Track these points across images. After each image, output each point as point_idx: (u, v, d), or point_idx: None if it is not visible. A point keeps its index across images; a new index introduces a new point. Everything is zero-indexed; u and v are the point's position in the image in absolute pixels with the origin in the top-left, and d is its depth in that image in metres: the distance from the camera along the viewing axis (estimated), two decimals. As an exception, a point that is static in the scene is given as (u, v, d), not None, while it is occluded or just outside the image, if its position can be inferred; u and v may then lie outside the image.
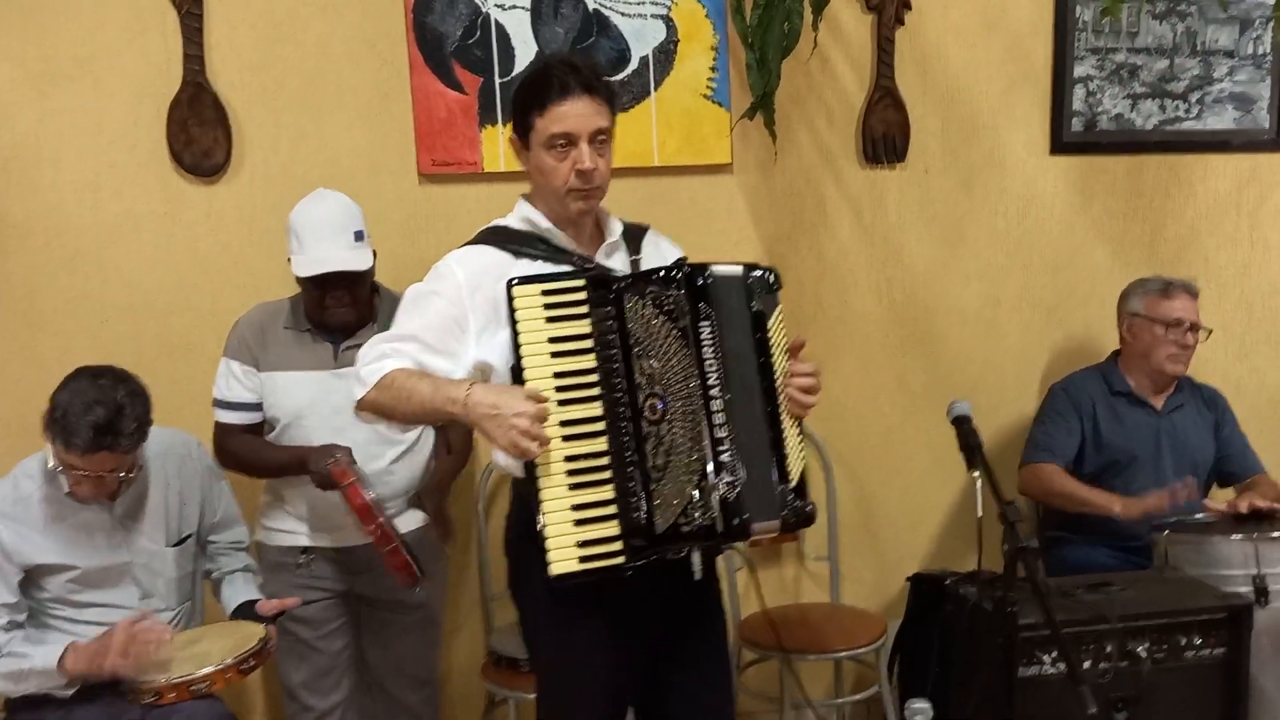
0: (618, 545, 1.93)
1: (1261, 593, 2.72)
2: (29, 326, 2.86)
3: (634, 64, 3.09)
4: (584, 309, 1.96)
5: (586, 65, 2.06)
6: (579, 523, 1.91)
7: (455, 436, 2.66)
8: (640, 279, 1.98)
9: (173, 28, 2.83)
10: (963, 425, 2.38)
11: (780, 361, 2.05)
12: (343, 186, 2.70)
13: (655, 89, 3.11)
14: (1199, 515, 2.98)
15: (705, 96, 3.14)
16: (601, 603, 2.00)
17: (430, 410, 1.96)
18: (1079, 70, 3.38)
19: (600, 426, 1.94)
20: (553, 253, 2.06)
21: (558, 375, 1.93)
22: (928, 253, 3.38)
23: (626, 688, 2.12)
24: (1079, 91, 3.40)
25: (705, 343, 1.93)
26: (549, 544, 1.90)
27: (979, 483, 2.27)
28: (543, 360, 1.93)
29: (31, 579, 2.37)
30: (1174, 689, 2.62)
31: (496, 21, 2.99)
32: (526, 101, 2.04)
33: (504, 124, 2.97)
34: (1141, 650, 2.59)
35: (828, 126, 3.27)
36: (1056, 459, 3.13)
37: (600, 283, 1.98)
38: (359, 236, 2.55)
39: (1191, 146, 3.50)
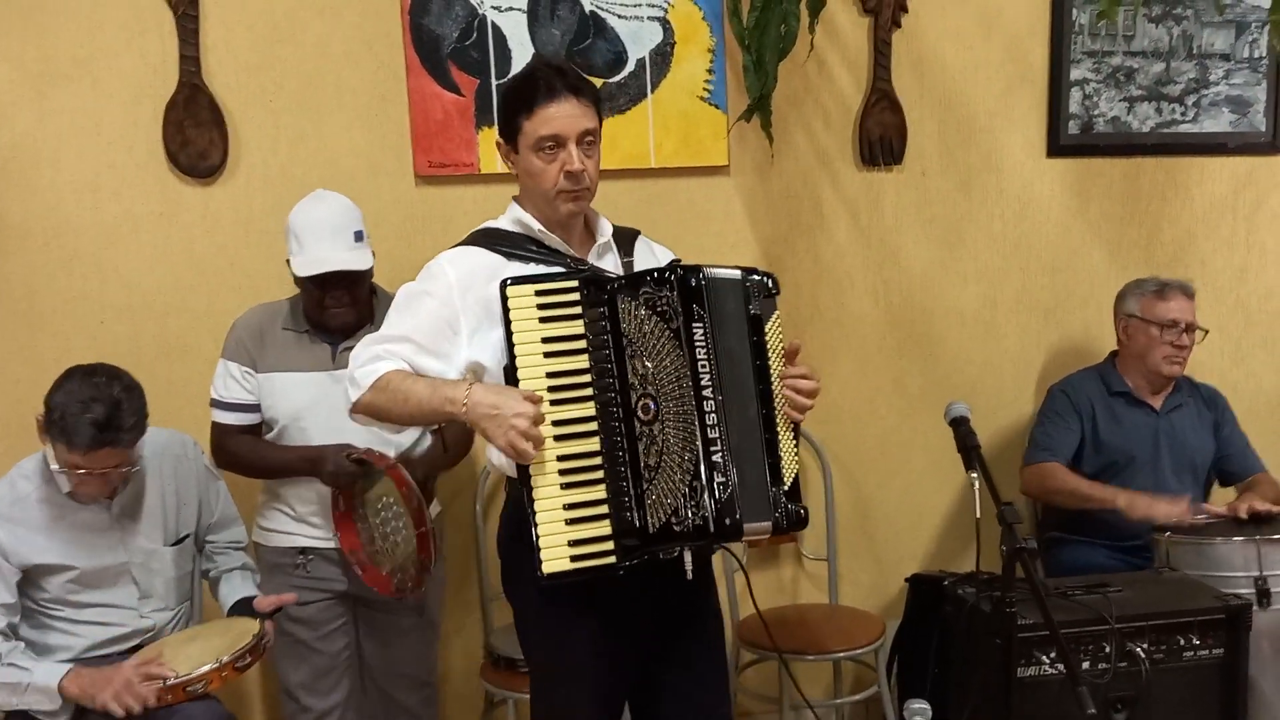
0: (609, 545, 1.93)
1: (1263, 595, 2.71)
2: (28, 327, 2.86)
3: (631, 66, 3.09)
4: (577, 309, 1.96)
5: (571, 69, 2.08)
6: (571, 522, 1.92)
7: (451, 436, 2.66)
8: (634, 280, 1.98)
9: (169, 29, 2.83)
10: (960, 426, 2.38)
11: (777, 365, 2.06)
12: (339, 188, 2.71)
13: (652, 91, 3.11)
14: (1199, 517, 2.98)
15: (702, 98, 3.15)
16: (593, 602, 2.00)
17: (428, 411, 1.97)
18: (1076, 73, 3.39)
19: (593, 426, 1.95)
20: (544, 254, 2.07)
21: (551, 375, 1.94)
22: (925, 255, 3.38)
23: (620, 687, 2.12)
24: (1076, 94, 3.40)
25: (698, 344, 1.94)
26: (541, 543, 1.90)
27: (977, 484, 2.27)
28: (536, 360, 1.94)
29: (30, 579, 2.37)
30: (1172, 690, 2.62)
31: (493, 23, 3.00)
32: (513, 105, 2.05)
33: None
34: (1140, 651, 2.59)
35: (824, 129, 3.28)
36: (1058, 458, 3.14)
37: (594, 283, 1.98)
38: (359, 237, 2.56)
39: (1188, 149, 3.50)
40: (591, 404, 1.95)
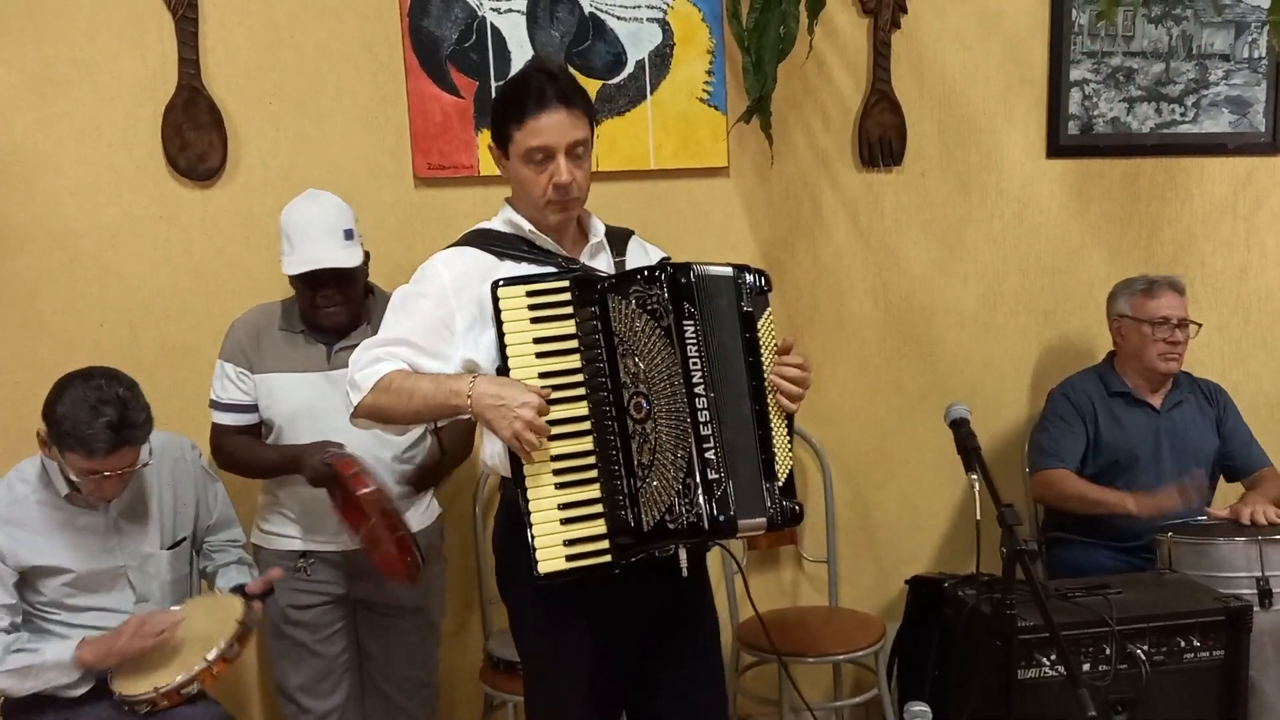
0: (604, 544, 1.94)
1: (1265, 595, 2.71)
2: (28, 330, 2.86)
3: (630, 68, 3.09)
4: (569, 309, 1.97)
5: (564, 74, 2.07)
6: (565, 521, 1.93)
7: (448, 437, 2.66)
8: (624, 279, 1.99)
9: (169, 32, 2.83)
10: (960, 428, 2.38)
11: (769, 362, 2.06)
12: (338, 190, 2.70)
13: (651, 92, 3.11)
14: (1201, 518, 2.98)
15: (701, 100, 3.15)
16: (587, 600, 2.00)
17: (434, 405, 1.97)
18: (1075, 74, 3.39)
19: (586, 426, 1.96)
20: (537, 254, 2.08)
21: (543, 375, 1.94)
22: (924, 256, 3.38)
23: (615, 686, 2.12)
24: (1075, 95, 3.40)
25: (689, 341, 1.94)
26: (536, 543, 1.91)
27: (977, 485, 2.27)
28: (528, 360, 1.94)
29: (27, 582, 2.37)
30: (1173, 691, 2.62)
31: (492, 25, 3.00)
32: (504, 113, 2.05)
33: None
34: (1140, 653, 2.59)
35: (824, 130, 3.28)
36: (1065, 463, 3.13)
37: (584, 283, 1.99)
38: (349, 235, 2.55)
39: (1188, 150, 3.50)
40: (584, 403, 1.96)
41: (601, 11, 3.06)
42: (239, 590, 2.50)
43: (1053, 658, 2.54)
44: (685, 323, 1.94)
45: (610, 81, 3.08)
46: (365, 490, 2.36)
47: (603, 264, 2.14)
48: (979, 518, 2.28)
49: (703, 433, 1.92)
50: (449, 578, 2.96)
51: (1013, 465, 3.40)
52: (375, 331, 2.12)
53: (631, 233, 2.25)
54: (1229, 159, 3.53)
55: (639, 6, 3.08)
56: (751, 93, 2.99)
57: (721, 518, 1.91)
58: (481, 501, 3.05)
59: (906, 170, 3.33)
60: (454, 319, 2.03)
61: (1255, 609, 2.67)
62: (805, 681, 3.36)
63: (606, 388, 1.96)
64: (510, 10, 3.00)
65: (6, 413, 2.83)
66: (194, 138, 2.86)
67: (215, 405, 2.63)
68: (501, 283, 1.95)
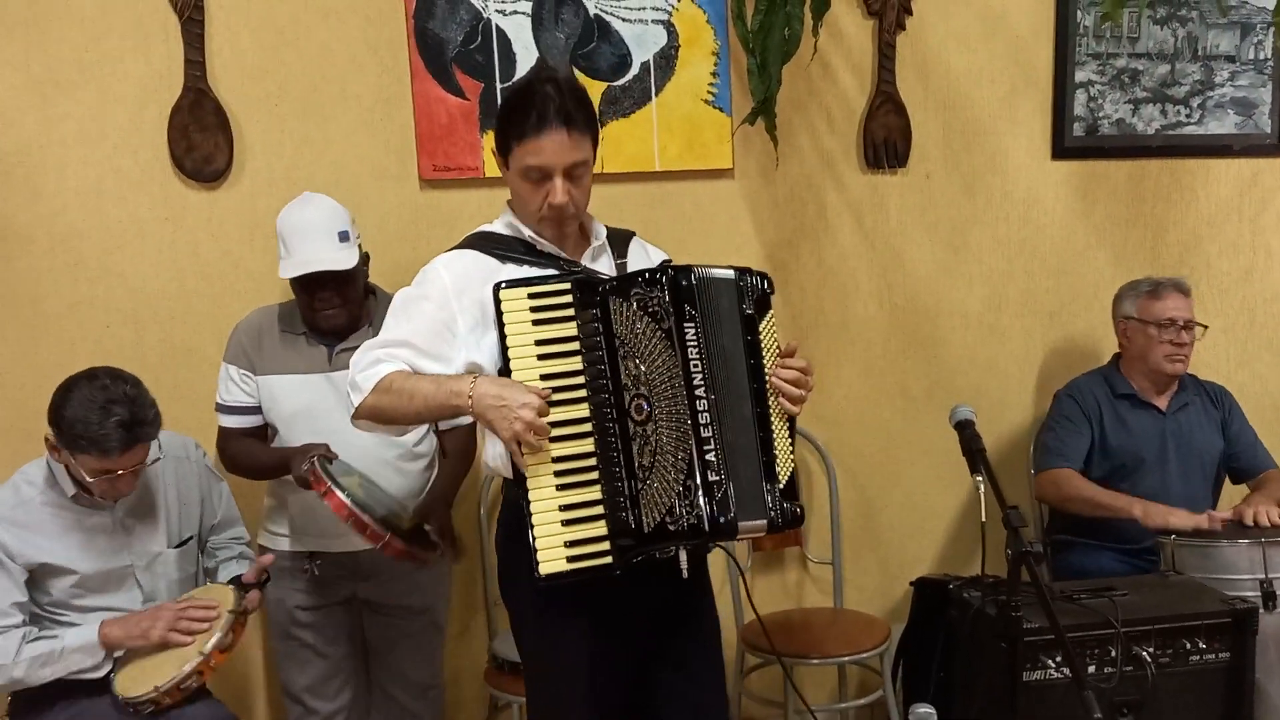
0: (605, 545, 1.94)
1: (1269, 598, 2.71)
2: (32, 332, 2.86)
3: (635, 69, 3.10)
4: (570, 311, 1.98)
5: (570, 89, 2.04)
6: (567, 523, 1.93)
7: (450, 441, 2.66)
8: (625, 281, 1.99)
9: (174, 34, 2.83)
10: (965, 430, 2.38)
11: (771, 364, 2.06)
12: (344, 192, 2.71)
13: (656, 94, 3.11)
14: (1217, 528, 2.96)
15: (706, 102, 3.15)
16: (588, 602, 2.01)
17: (435, 406, 1.98)
18: (1080, 75, 3.39)
19: (587, 428, 1.96)
20: (538, 257, 2.09)
21: (545, 377, 1.95)
22: (929, 257, 3.38)
23: (616, 687, 2.12)
24: (1080, 96, 3.40)
25: (690, 344, 1.94)
26: (538, 544, 1.91)
27: (982, 487, 2.27)
28: (530, 363, 1.95)
29: (35, 582, 2.37)
30: (1178, 694, 2.61)
31: (497, 27, 3.00)
32: (506, 125, 2.05)
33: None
34: (1146, 655, 2.58)
35: (829, 131, 3.27)
36: (1071, 463, 3.13)
37: (586, 286, 1.99)
38: (344, 237, 2.55)
39: (1193, 151, 3.50)
40: (585, 405, 1.96)
41: (606, 13, 3.06)
42: (235, 581, 2.50)
43: (1058, 659, 2.53)
44: (686, 325, 1.94)
45: (615, 83, 3.08)
46: (339, 508, 2.33)
47: (604, 266, 2.14)
48: (984, 519, 2.28)
49: (703, 435, 1.92)
50: (454, 579, 2.96)
51: (1018, 467, 3.40)
52: (377, 333, 2.13)
53: (633, 234, 2.26)
54: (1234, 160, 3.53)
55: (644, 8, 3.08)
56: (756, 94, 2.99)
57: (722, 519, 1.91)
58: (486, 503, 3.06)
59: (911, 172, 3.33)
60: (456, 321, 2.03)
61: (1260, 611, 2.66)
62: (810, 683, 3.37)
63: (608, 390, 1.96)
64: (515, 12, 3.01)
65: (11, 414, 2.83)
66: (200, 139, 2.86)
67: (221, 408, 2.63)
68: (504, 285, 1.96)
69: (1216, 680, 2.64)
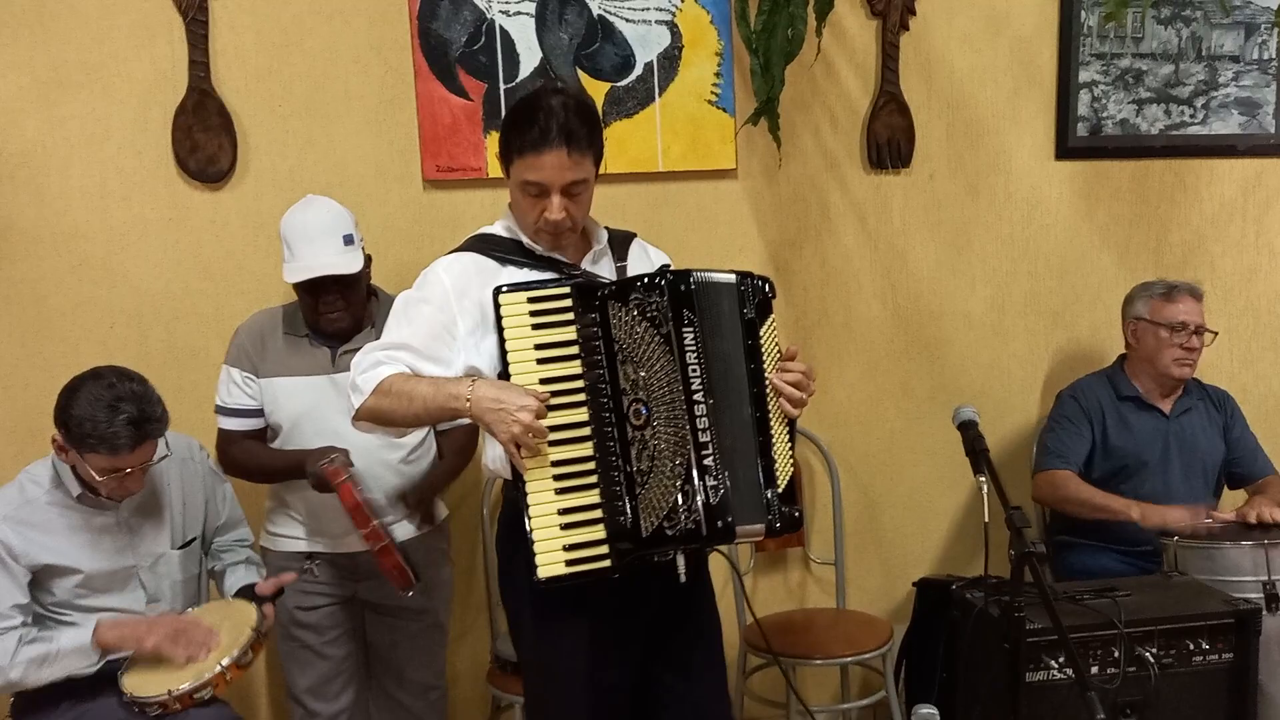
0: (603, 549, 1.95)
1: (1272, 599, 2.71)
2: (36, 332, 2.87)
3: (638, 70, 3.10)
4: (569, 316, 1.98)
5: (575, 104, 2.03)
6: (565, 526, 1.94)
7: (448, 442, 2.67)
8: (624, 286, 2.00)
9: (179, 35, 2.84)
10: (968, 430, 2.38)
11: (771, 368, 2.06)
12: (347, 193, 2.71)
13: (660, 95, 3.11)
14: (1207, 521, 2.97)
15: (710, 102, 3.15)
16: (585, 604, 2.01)
17: (433, 409, 1.98)
18: (1084, 75, 3.38)
19: (586, 432, 1.97)
20: (538, 260, 2.09)
21: (544, 381, 1.95)
22: (932, 258, 3.38)
23: (615, 689, 2.12)
24: (1084, 97, 3.40)
25: (688, 349, 1.95)
26: (536, 547, 1.92)
27: (985, 488, 2.27)
28: (529, 366, 1.96)
29: (39, 582, 2.37)
30: (1181, 695, 2.61)
31: (501, 28, 3.00)
32: (508, 135, 2.06)
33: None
34: (1149, 655, 2.58)
35: (832, 132, 3.27)
36: (1070, 465, 3.13)
37: (585, 290, 2.00)
38: (349, 240, 2.55)
39: (1197, 152, 3.50)
40: (584, 409, 1.97)
41: (610, 13, 3.06)
42: (248, 590, 2.51)
43: (1061, 660, 2.54)
44: (685, 330, 1.95)
45: (618, 84, 3.08)
46: (351, 502, 2.37)
47: (605, 270, 2.15)
48: (987, 520, 2.28)
49: (701, 439, 1.93)
50: (456, 580, 2.97)
51: (1021, 468, 3.40)
52: (379, 335, 2.13)
53: (634, 235, 2.26)
54: (1238, 161, 3.53)
55: (647, 9, 3.08)
56: (759, 95, 2.99)
57: (719, 524, 1.92)
58: (489, 504, 3.06)
59: (915, 172, 3.33)
60: (456, 324, 2.04)
61: (1263, 612, 2.66)
62: (812, 684, 3.37)
63: (606, 394, 1.97)
64: (519, 13, 3.01)
65: (16, 414, 2.84)
66: (204, 140, 2.87)
67: (221, 410, 2.63)
68: (504, 289, 1.97)
69: (1219, 681, 2.64)
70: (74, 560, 2.37)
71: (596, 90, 3.06)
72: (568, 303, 1.98)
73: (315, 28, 2.93)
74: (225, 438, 2.64)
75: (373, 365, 2.03)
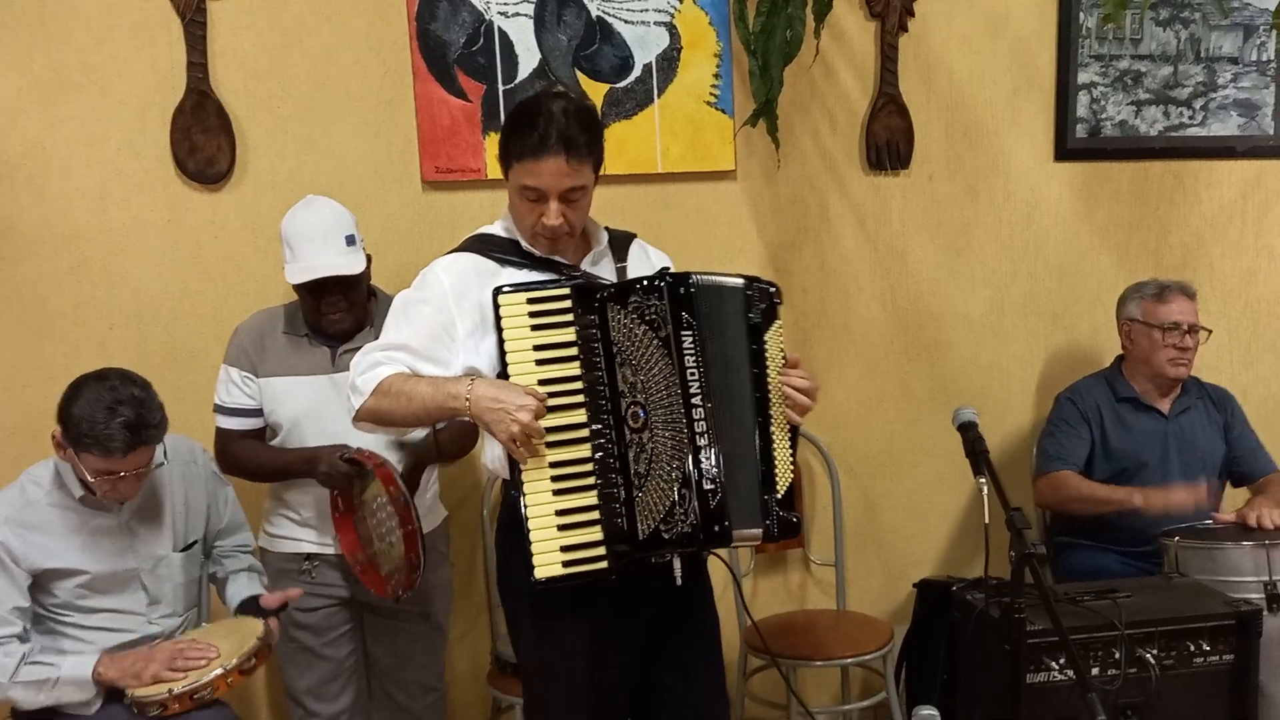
0: (601, 551, 1.95)
1: (1274, 599, 2.70)
2: (36, 333, 2.87)
3: (637, 71, 3.10)
4: (568, 317, 1.98)
5: (575, 110, 2.03)
6: (563, 528, 1.94)
7: (445, 438, 2.66)
8: (624, 288, 1.99)
9: (177, 36, 2.84)
10: (968, 431, 2.38)
11: (775, 373, 2.06)
12: (346, 194, 2.71)
13: (658, 96, 3.11)
14: (1207, 522, 2.97)
15: (708, 103, 3.15)
16: (583, 605, 2.01)
17: (433, 408, 1.99)
18: (1083, 77, 3.39)
19: (584, 434, 1.97)
20: (537, 261, 2.09)
21: (542, 382, 1.96)
22: (932, 259, 3.38)
23: (614, 690, 2.12)
24: (1083, 98, 3.40)
25: (687, 352, 1.94)
26: (534, 548, 1.92)
27: (985, 489, 2.27)
28: (528, 367, 1.95)
29: (40, 584, 2.37)
30: (1182, 696, 2.61)
31: (500, 29, 3.00)
32: (508, 138, 2.06)
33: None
34: (1150, 657, 2.58)
35: (831, 133, 3.27)
36: (1070, 466, 3.12)
37: (584, 292, 2.00)
38: (350, 241, 2.55)
39: (1196, 153, 3.50)
40: (583, 411, 1.97)
41: (609, 15, 3.06)
42: (252, 602, 2.50)
43: (1061, 661, 2.53)
44: (683, 333, 1.94)
45: (617, 85, 3.09)
46: (395, 489, 2.36)
47: (605, 271, 2.15)
48: (987, 521, 2.28)
49: (699, 444, 1.93)
50: (456, 581, 2.96)
51: (1021, 469, 3.40)
52: (378, 335, 2.13)
53: (634, 236, 2.26)
54: (1238, 162, 3.53)
55: (646, 10, 3.08)
56: (758, 96, 2.99)
57: (716, 527, 1.92)
58: (488, 505, 3.05)
59: (914, 174, 3.33)
60: (455, 325, 2.04)
61: (1264, 613, 2.65)
62: (813, 685, 3.37)
63: (605, 396, 1.97)
64: (518, 14, 3.01)
65: (16, 415, 2.84)
66: (202, 141, 2.87)
67: (220, 410, 2.63)
68: (504, 289, 1.97)
69: (1220, 682, 2.63)
70: (75, 562, 2.37)
71: (595, 91, 3.06)
72: (567, 304, 1.98)
73: (314, 29, 2.93)
74: (224, 437, 2.63)
75: (372, 366, 2.03)
